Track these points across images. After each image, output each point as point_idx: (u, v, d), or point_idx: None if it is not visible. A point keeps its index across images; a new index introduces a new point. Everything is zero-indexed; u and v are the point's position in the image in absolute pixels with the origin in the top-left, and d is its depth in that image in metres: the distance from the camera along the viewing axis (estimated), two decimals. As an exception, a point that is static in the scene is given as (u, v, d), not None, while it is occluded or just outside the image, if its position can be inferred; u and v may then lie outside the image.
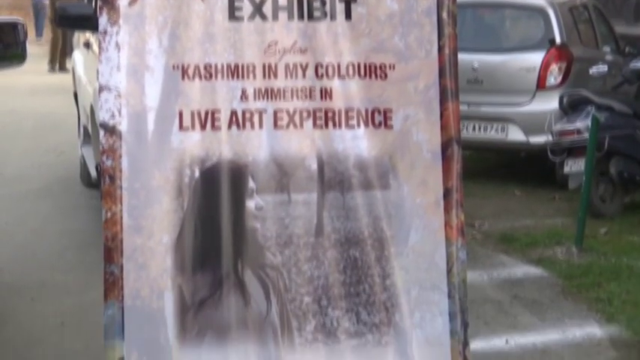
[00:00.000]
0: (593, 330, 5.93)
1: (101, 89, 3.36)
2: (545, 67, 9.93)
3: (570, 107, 9.18)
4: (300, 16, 3.41)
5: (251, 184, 3.37)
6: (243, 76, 3.39)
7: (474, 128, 10.06)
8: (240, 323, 3.34)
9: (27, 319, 5.97)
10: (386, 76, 3.45)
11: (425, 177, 3.45)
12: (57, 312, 6.04)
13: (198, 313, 3.33)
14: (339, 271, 3.39)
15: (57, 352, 5.42)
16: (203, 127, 3.36)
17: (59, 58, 19.11)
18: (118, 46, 3.35)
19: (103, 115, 3.35)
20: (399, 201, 3.44)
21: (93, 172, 8.12)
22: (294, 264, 3.38)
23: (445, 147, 3.46)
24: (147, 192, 3.34)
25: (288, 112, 3.39)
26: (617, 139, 8.61)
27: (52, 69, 18.85)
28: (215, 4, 3.38)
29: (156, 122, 3.35)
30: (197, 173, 3.36)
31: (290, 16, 3.41)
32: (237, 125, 3.38)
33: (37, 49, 20.11)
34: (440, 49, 3.48)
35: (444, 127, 3.46)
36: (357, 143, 3.41)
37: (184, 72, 3.37)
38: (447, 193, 3.46)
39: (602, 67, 10.58)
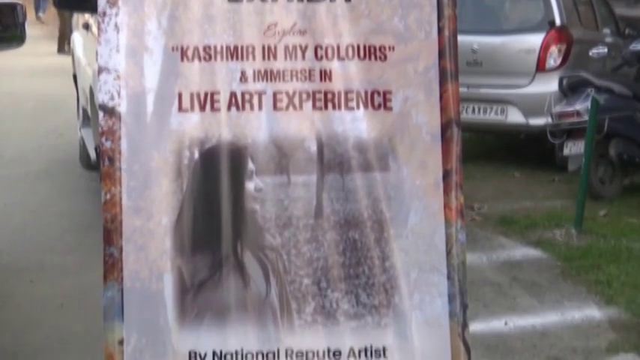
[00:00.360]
0: (592, 312, 5.94)
1: (100, 71, 3.34)
2: (544, 48, 9.93)
3: (570, 89, 9.18)
4: (300, -3, 3.40)
5: (250, 165, 3.36)
6: (242, 58, 3.37)
7: (473, 110, 10.05)
8: (239, 305, 3.33)
9: (26, 300, 5.98)
10: (385, 57, 3.43)
11: (424, 159, 3.44)
12: (56, 294, 6.05)
13: (197, 295, 3.33)
14: (339, 252, 3.38)
15: (56, 334, 5.43)
16: (202, 108, 3.35)
17: (58, 40, 19.10)
18: (117, 27, 3.34)
19: (102, 97, 3.34)
20: (399, 183, 3.43)
21: (92, 154, 8.12)
22: (293, 246, 3.37)
23: (445, 129, 3.45)
24: (146, 173, 3.33)
25: (287, 93, 3.38)
26: (617, 121, 8.62)
27: (62, 50, 18.78)
28: (214, -15, 3.37)
29: (155, 104, 3.34)
30: (196, 155, 3.35)
31: (289, -3, 3.39)
32: (237, 107, 3.37)
33: (38, 31, 20.09)
34: (439, 30, 3.46)
35: (443, 109, 3.45)
36: (357, 125, 3.40)
37: (183, 53, 3.35)
38: (446, 175, 3.45)
39: (602, 49, 10.58)
